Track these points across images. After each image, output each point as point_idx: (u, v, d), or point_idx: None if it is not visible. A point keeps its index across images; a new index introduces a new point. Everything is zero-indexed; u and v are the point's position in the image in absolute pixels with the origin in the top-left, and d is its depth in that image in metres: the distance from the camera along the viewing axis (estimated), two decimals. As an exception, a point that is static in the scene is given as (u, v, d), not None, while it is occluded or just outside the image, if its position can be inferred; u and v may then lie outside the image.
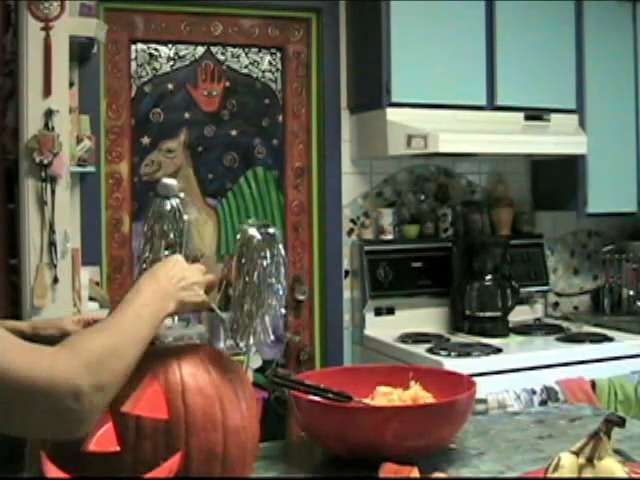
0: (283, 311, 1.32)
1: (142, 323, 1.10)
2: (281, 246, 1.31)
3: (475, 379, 1.62)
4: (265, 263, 1.29)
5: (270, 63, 3.28)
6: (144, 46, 3.09)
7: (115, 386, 1.02)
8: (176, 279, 1.22)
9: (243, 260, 1.29)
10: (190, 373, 1.19)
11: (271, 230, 1.31)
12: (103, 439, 1.11)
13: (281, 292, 1.31)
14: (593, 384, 2.84)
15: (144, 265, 1.32)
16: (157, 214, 1.32)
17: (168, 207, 1.32)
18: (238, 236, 1.31)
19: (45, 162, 2.38)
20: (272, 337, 1.32)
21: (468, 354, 2.83)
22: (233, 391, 1.22)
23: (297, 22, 3.30)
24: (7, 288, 2.58)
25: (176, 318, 1.36)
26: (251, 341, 1.29)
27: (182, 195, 1.34)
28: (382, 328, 3.20)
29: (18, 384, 0.92)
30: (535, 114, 3.20)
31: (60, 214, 2.43)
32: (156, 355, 1.20)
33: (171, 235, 1.31)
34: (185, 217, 1.33)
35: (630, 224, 3.71)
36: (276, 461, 1.53)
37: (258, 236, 1.30)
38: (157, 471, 1.10)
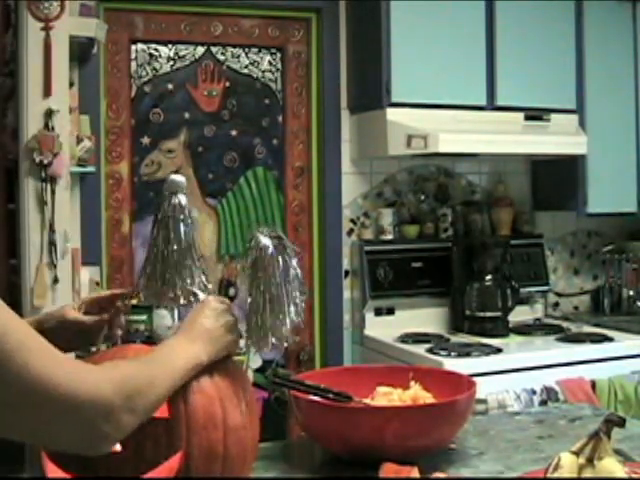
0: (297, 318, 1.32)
1: (176, 366, 1.12)
2: (295, 259, 1.31)
3: (475, 379, 1.62)
4: (281, 273, 1.29)
5: (270, 63, 3.28)
6: (144, 46, 3.09)
7: (145, 412, 1.02)
8: (212, 329, 1.23)
9: (258, 272, 1.28)
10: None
11: (284, 241, 1.31)
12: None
13: (299, 301, 1.31)
14: (593, 384, 2.84)
15: (147, 269, 1.31)
16: (165, 211, 1.32)
17: (176, 203, 1.32)
18: (252, 243, 1.30)
19: (45, 162, 2.39)
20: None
21: (468, 354, 2.83)
22: (234, 390, 1.22)
23: (297, 22, 3.30)
24: (7, 288, 2.58)
25: (176, 318, 1.36)
26: (268, 349, 1.30)
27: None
28: (382, 328, 3.20)
29: (50, 393, 0.90)
30: (535, 114, 3.20)
31: (60, 214, 2.43)
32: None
33: (182, 233, 1.31)
34: (194, 214, 1.33)
35: (630, 224, 3.71)
36: (276, 461, 1.53)
37: (271, 247, 1.29)
38: (158, 470, 1.10)
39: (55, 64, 2.40)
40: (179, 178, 1.32)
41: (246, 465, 1.23)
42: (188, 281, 1.30)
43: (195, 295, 1.31)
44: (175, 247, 1.29)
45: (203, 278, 1.32)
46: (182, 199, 1.31)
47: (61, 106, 2.41)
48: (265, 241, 1.30)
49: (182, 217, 1.30)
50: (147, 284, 1.31)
